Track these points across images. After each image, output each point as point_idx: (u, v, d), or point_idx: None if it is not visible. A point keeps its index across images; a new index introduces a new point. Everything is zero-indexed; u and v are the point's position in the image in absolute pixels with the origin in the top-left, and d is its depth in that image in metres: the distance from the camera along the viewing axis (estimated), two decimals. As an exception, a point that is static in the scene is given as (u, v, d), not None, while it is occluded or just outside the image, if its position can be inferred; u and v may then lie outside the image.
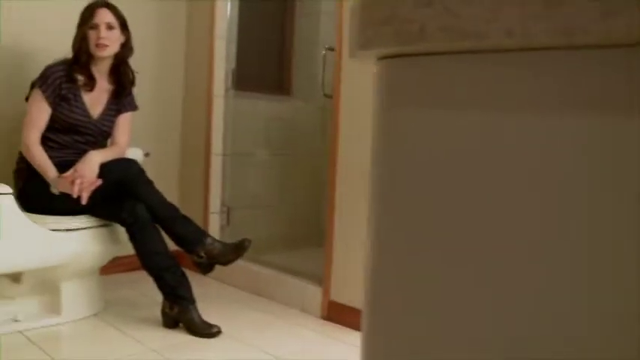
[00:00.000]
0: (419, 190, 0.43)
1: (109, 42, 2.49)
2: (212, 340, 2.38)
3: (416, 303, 0.43)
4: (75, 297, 2.51)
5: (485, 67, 0.38)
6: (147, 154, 2.91)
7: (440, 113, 0.41)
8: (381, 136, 0.46)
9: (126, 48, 2.59)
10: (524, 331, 0.37)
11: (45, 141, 2.46)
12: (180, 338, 2.38)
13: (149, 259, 2.40)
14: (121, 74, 2.61)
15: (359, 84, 2.50)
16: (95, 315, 2.58)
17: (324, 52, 2.71)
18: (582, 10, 0.32)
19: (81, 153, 2.47)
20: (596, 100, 0.34)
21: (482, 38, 0.36)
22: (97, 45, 2.47)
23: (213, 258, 2.48)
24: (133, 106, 2.71)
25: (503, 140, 0.38)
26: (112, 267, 2.97)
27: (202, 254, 2.47)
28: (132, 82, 2.66)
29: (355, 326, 2.57)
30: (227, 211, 3.35)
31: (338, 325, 2.61)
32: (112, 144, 2.66)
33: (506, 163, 0.38)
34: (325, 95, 2.71)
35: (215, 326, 2.42)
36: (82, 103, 2.51)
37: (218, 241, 2.52)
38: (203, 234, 2.51)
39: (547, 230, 0.36)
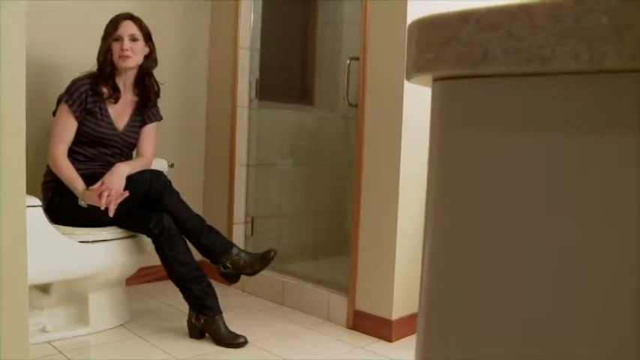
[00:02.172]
0: (476, 207, 0.43)
1: (132, 53, 2.51)
2: (238, 351, 2.39)
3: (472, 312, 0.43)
4: (102, 308, 2.53)
5: (550, 89, 0.38)
6: (171, 165, 2.93)
7: (502, 134, 0.41)
8: (438, 154, 0.46)
9: (150, 59, 2.61)
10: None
11: (72, 154, 2.49)
12: (206, 348, 2.38)
13: (176, 270, 2.41)
14: (146, 86, 2.62)
15: (383, 93, 2.50)
16: (122, 325, 2.59)
17: (348, 61, 2.70)
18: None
19: (107, 165, 2.49)
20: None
21: (548, 62, 0.36)
22: (120, 56, 2.49)
23: (240, 268, 2.48)
24: (157, 117, 2.72)
25: (569, 161, 0.38)
26: (137, 277, 2.99)
27: (228, 265, 2.48)
28: (157, 94, 2.67)
29: (380, 335, 2.56)
30: (251, 222, 3.35)
31: (363, 335, 2.61)
32: (138, 155, 2.67)
33: (568, 182, 0.38)
34: (349, 104, 2.70)
35: (241, 336, 2.43)
36: (108, 116, 2.53)
37: (244, 251, 2.52)
38: (229, 245, 2.52)
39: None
